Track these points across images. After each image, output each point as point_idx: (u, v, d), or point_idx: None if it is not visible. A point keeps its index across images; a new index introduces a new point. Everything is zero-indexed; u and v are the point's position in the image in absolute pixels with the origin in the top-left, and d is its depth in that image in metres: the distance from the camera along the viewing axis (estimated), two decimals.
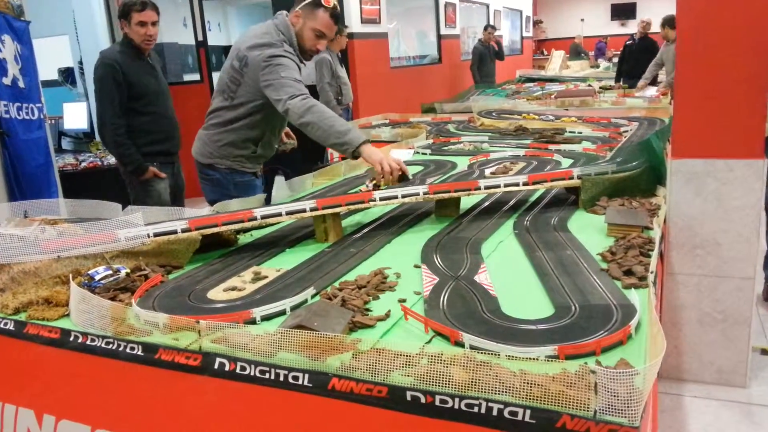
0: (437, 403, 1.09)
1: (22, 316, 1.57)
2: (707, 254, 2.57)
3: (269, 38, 2.69)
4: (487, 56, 10.38)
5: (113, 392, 1.44)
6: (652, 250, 1.76)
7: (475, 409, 1.07)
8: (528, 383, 1.06)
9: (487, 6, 13.11)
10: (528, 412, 1.04)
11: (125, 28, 3.58)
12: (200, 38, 7.26)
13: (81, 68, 7.34)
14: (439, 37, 10.54)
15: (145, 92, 3.61)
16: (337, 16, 2.80)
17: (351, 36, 7.23)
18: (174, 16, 7.78)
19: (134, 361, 1.36)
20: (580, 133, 4.15)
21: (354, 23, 7.53)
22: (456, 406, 1.08)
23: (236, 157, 2.89)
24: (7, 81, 4.34)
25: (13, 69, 4.40)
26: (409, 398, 1.11)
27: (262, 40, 2.69)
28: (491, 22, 13.03)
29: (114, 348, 1.39)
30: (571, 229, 2.09)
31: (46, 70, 6.44)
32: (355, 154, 2.49)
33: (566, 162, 3.16)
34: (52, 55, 7.28)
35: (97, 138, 6.69)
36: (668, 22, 7.33)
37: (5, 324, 1.54)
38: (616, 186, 2.38)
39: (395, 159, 2.44)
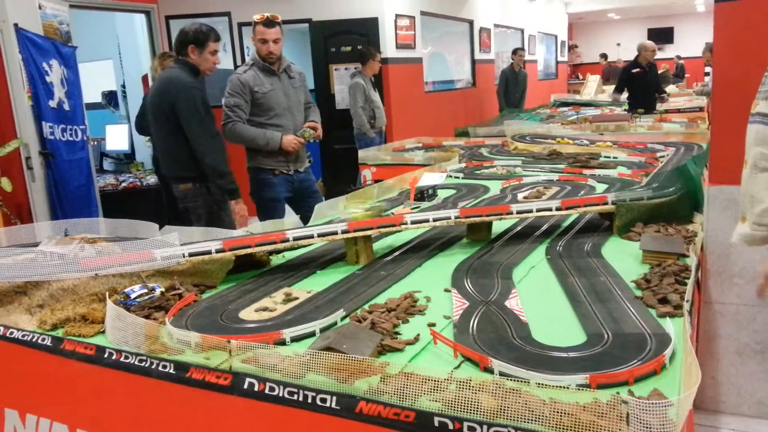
0: (465, 429, 1.08)
1: (60, 332, 1.61)
2: (746, 283, 2.50)
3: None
4: (513, 82, 9.95)
5: (145, 409, 1.46)
6: (689, 278, 1.72)
7: None
8: (558, 412, 1.05)
9: (522, 31, 13.13)
10: None
11: (193, 54, 3.53)
12: (239, 63, 7.43)
13: (124, 91, 7.56)
14: (474, 61, 10.58)
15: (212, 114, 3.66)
16: (271, 23, 3.78)
17: (386, 61, 7.31)
18: None
19: (166, 379, 1.38)
20: (615, 158, 4.10)
21: (389, 48, 7.61)
22: None
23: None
24: (53, 104, 4.50)
25: (59, 92, 4.56)
26: (436, 424, 1.10)
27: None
28: (526, 47, 13.03)
29: (147, 365, 1.41)
30: (605, 256, 2.06)
31: (90, 93, 6.66)
32: None
33: (601, 187, 3.13)
34: (96, 79, 7.52)
35: (138, 159, 6.87)
36: (711, 49, 7.19)
37: (43, 339, 1.58)
38: (651, 212, 2.34)
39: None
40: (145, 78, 6.88)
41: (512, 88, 9.91)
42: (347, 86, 6.76)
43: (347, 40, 7.48)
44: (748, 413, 2.60)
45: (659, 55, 19.22)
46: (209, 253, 1.94)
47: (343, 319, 1.61)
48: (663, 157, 3.98)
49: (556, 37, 15.64)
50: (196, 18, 7.14)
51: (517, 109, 9.07)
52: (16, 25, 4.27)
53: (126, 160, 6.97)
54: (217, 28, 3.68)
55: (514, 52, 10.03)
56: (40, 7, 4.63)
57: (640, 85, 7.94)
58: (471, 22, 10.45)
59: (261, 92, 3.81)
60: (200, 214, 3.66)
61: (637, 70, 7.95)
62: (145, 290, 1.79)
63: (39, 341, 1.59)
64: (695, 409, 2.59)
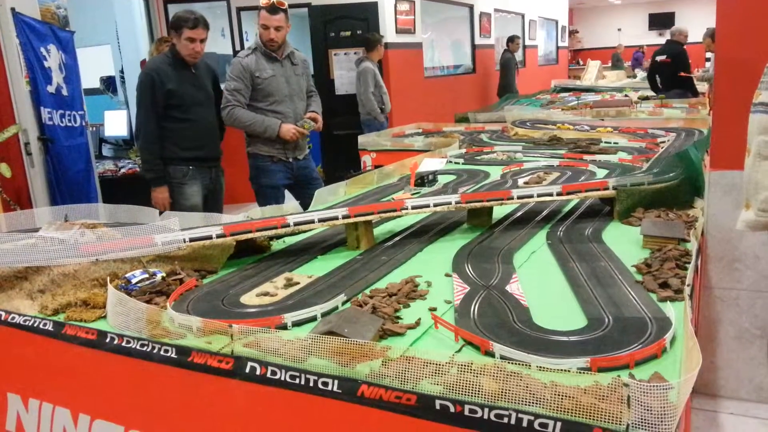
0: (466, 412, 1.08)
1: (61, 317, 1.61)
2: (746, 268, 2.51)
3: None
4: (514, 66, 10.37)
5: (147, 393, 1.47)
6: (689, 263, 1.72)
7: (505, 420, 1.06)
8: (559, 395, 1.05)
9: (522, 16, 13.05)
10: (559, 424, 1.02)
11: (174, 39, 3.68)
12: (238, 48, 7.38)
13: (122, 77, 7.52)
14: (474, 47, 10.52)
15: (183, 101, 3.69)
16: (275, 9, 3.72)
17: (385, 46, 7.27)
18: (212, 26, 7.92)
19: (168, 363, 1.38)
20: (616, 143, 4.09)
21: (389, 33, 7.57)
22: (485, 417, 1.07)
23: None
24: (51, 89, 4.47)
25: (57, 77, 4.53)
26: (438, 407, 1.10)
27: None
28: (527, 32, 12.99)
29: (148, 350, 1.42)
30: (606, 241, 2.06)
31: (89, 79, 6.61)
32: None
33: (601, 172, 3.12)
34: (94, 64, 7.47)
35: (137, 145, 6.84)
36: (712, 35, 7.19)
37: (44, 324, 1.58)
38: (652, 197, 2.34)
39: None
40: (143, 63, 6.84)
41: (514, 73, 10.30)
42: (351, 72, 6.75)
43: (347, 25, 7.44)
44: (746, 397, 2.61)
45: (660, 40, 19.12)
46: (210, 238, 1.94)
47: (344, 303, 1.62)
48: (664, 142, 3.97)
49: (556, 22, 15.54)
50: (193, 3, 7.10)
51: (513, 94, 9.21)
52: (13, 9, 4.23)
53: (125, 146, 6.94)
54: (215, 13, 3.70)
55: (512, 39, 10.38)
56: None
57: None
58: (471, 7, 10.39)
59: (262, 77, 3.78)
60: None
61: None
62: (146, 275, 1.79)
63: (40, 326, 1.59)
64: (693, 393, 2.61)
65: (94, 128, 6.70)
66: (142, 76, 3.67)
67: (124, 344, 1.45)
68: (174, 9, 7.25)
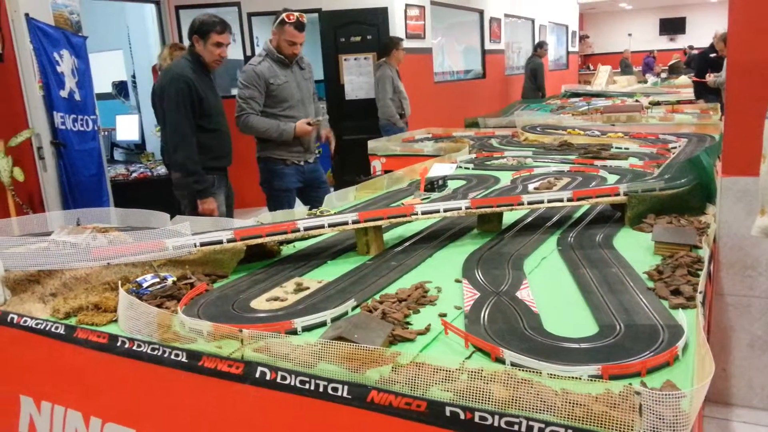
0: (477, 419, 1.08)
1: (73, 321, 1.62)
2: (759, 275, 2.48)
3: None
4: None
5: (157, 398, 1.48)
6: (701, 270, 1.71)
7: (515, 428, 1.05)
8: (570, 403, 1.05)
9: (533, 21, 13.04)
10: None
11: (197, 44, 3.57)
12: (249, 53, 7.42)
13: (134, 82, 7.58)
14: (484, 52, 10.52)
15: (211, 110, 3.65)
16: (301, 25, 3.76)
17: None
18: None
19: (178, 367, 1.39)
20: (627, 149, 4.07)
21: None
22: (496, 424, 1.07)
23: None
24: (64, 94, 4.52)
25: (70, 82, 4.57)
26: (448, 414, 1.10)
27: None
28: (537, 37, 13.00)
29: (159, 354, 1.42)
30: (617, 247, 2.05)
31: (101, 84, 6.67)
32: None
33: (612, 178, 3.11)
34: (106, 69, 7.54)
35: (148, 149, 6.89)
36: (724, 38, 7.19)
37: (56, 328, 1.60)
38: (663, 203, 2.32)
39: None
40: (155, 68, 6.89)
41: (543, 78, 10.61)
42: (361, 77, 6.77)
43: (357, 30, 7.46)
44: (759, 406, 2.59)
45: (670, 45, 19.06)
46: (221, 242, 1.95)
47: (354, 308, 1.61)
48: (675, 148, 3.94)
49: (566, 27, 15.52)
50: (205, 8, 7.15)
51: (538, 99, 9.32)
52: (27, 15, 4.28)
53: (136, 150, 7.00)
54: (226, 19, 3.67)
55: (540, 45, 10.86)
56: None
57: (717, 69, 8.26)
58: (481, 12, 10.39)
59: (276, 84, 3.81)
60: (186, 203, 3.70)
61: (714, 55, 8.37)
62: (157, 279, 1.80)
63: (52, 329, 1.60)
64: (706, 401, 2.58)
65: (106, 133, 6.76)
66: (175, 84, 3.49)
67: (135, 348, 1.46)
68: (185, 14, 7.31)
